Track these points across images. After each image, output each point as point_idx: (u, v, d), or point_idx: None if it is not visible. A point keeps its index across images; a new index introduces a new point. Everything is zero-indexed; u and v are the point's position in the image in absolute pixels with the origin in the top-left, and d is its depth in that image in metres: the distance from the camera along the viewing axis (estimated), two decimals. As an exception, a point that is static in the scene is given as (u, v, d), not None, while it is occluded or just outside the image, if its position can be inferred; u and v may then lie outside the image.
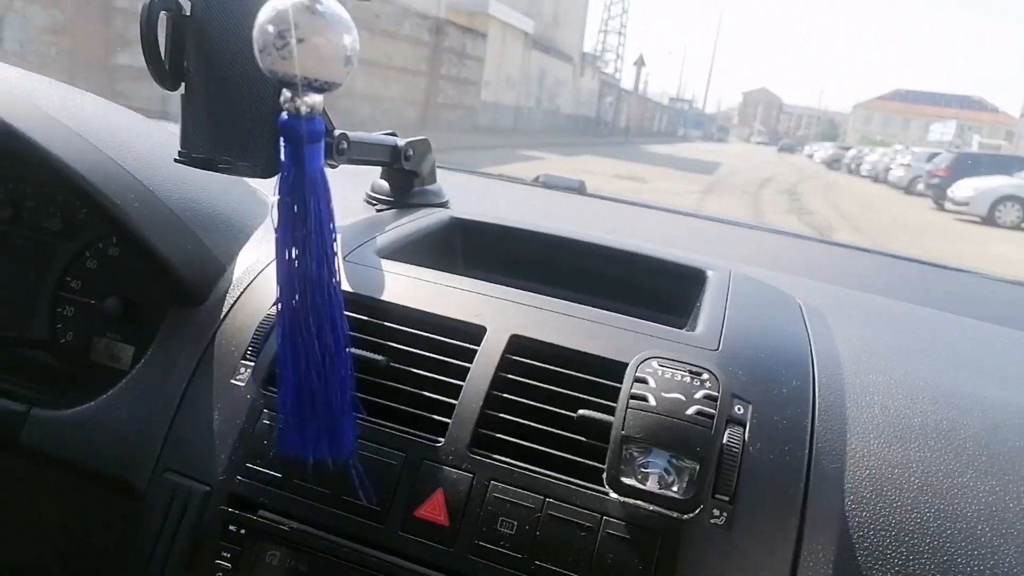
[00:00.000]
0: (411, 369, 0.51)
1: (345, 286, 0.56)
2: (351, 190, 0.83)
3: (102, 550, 0.54)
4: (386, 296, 0.55)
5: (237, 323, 0.55)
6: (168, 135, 0.68)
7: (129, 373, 0.57)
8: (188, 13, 0.53)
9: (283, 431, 0.44)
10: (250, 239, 0.64)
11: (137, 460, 0.52)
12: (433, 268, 0.59)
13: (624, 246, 0.68)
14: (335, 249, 0.42)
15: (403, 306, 0.53)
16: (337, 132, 0.64)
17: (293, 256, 0.41)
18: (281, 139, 0.40)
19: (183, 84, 0.55)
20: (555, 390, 0.49)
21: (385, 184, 0.80)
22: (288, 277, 0.42)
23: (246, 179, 0.71)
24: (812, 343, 0.54)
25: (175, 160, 0.54)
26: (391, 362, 0.51)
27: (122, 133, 0.60)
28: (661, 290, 0.67)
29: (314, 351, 0.42)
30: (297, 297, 0.42)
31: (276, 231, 0.41)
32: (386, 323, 0.53)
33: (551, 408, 0.48)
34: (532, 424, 0.48)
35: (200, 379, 0.53)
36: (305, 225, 0.40)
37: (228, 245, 0.62)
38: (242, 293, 0.57)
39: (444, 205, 0.80)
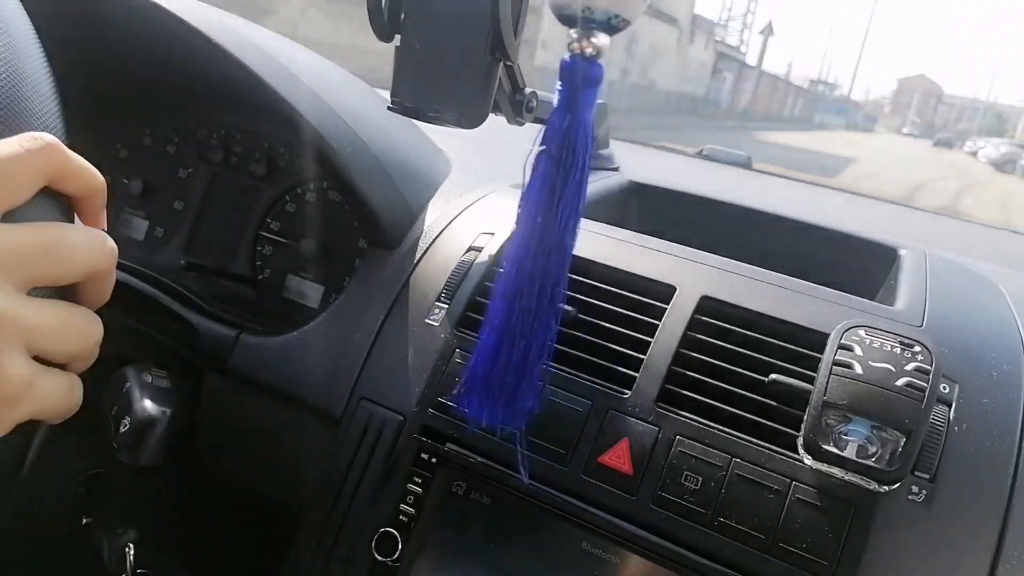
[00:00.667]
0: (600, 322, 0.52)
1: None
2: (509, 150, 0.85)
3: (300, 469, 0.58)
4: (576, 251, 0.56)
5: (430, 268, 0.58)
6: (363, 86, 0.72)
7: (328, 307, 0.62)
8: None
9: (466, 390, 0.46)
10: (437, 192, 0.67)
11: (334, 388, 0.56)
12: (613, 228, 0.60)
13: (807, 219, 0.67)
14: (582, 203, 0.43)
15: (594, 261, 0.55)
16: (527, 90, 0.65)
17: (544, 206, 0.42)
18: (558, 82, 0.41)
19: (397, 36, 0.58)
20: (745, 353, 0.49)
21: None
22: (530, 231, 0.43)
23: (431, 138, 0.74)
24: (1021, 329, 0.51)
25: (388, 108, 0.57)
26: (580, 313, 0.52)
27: (332, 82, 0.64)
28: (846, 266, 0.65)
29: (527, 318, 0.43)
30: (531, 258, 0.42)
31: (531, 178, 0.43)
32: (576, 276, 0.54)
33: (741, 370, 0.48)
34: (720, 384, 0.48)
35: (395, 317, 0.57)
36: (568, 175, 0.42)
37: (419, 196, 0.65)
38: (434, 240, 0.61)
39: (615, 170, 0.81)
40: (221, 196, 0.77)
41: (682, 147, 1.04)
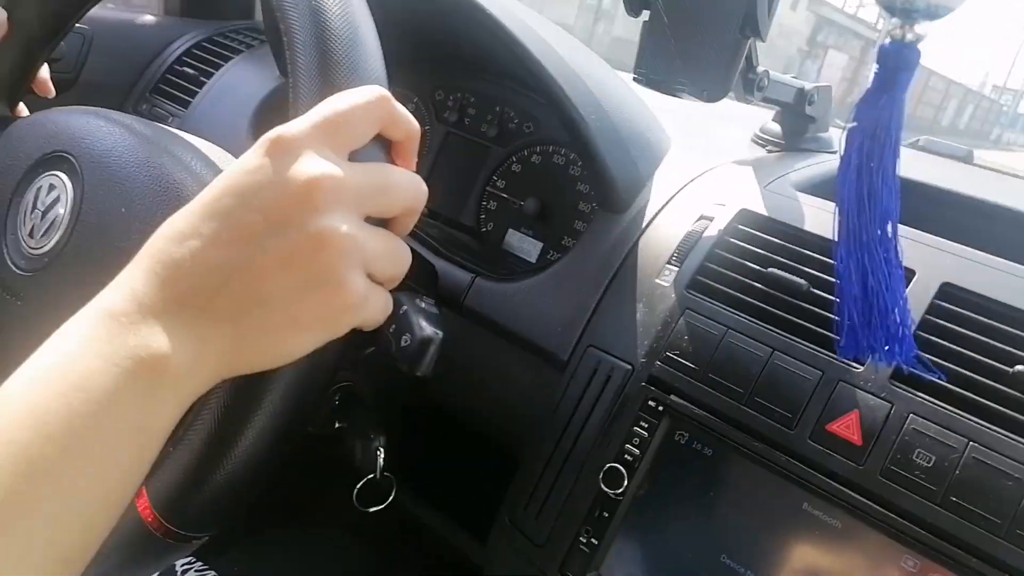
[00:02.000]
0: (831, 297, 0.53)
1: (766, 212, 0.60)
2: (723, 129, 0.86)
3: (522, 407, 0.64)
4: (807, 226, 0.58)
5: (660, 232, 0.62)
6: (599, 60, 0.76)
7: (548, 263, 0.67)
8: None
9: (848, 335, 0.48)
10: (662, 162, 0.70)
11: (563, 333, 0.61)
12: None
13: None
14: (897, 176, 0.45)
15: (825, 237, 0.56)
16: (760, 69, 0.67)
17: (863, 176, 0.45)
18: (876, 64, 0.44)
19: (646, 11, 0.62)
20: (987, 342, 0.49)
21: (777, 127, 0.82)
22: (857, 195, 0.45)
23: (655, 114, 0.77)
24: None
25: (634, 79, 0.61)
26: (812, 288, 0.54)
27: (578, 55, 0.68)
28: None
29: (879, 265, 0.46)
30: (860, 216, 0.45)
31: (846, 153, 0.45)
32: (806, 251, 0.56)
33: (982, 358, 0.48)
34: (959, 370, 0.48)
35: (624, 275, 0.61)
36: (883, 148, 0.44)
37: (649, 165, 0.68)
38: (662, 208, 0.64)
39: (834, 153, 0.81)
40: (453, 153, 0.84)
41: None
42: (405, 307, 0.55)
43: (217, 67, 0.95)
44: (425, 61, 0.84)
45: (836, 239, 0.47)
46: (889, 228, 0.45)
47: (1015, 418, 0.46)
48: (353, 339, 0.39)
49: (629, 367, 0.56)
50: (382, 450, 0.61)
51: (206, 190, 0.35)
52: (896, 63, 0.42)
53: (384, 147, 0.40)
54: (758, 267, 0.56)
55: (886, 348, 0.47)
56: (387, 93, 0.38)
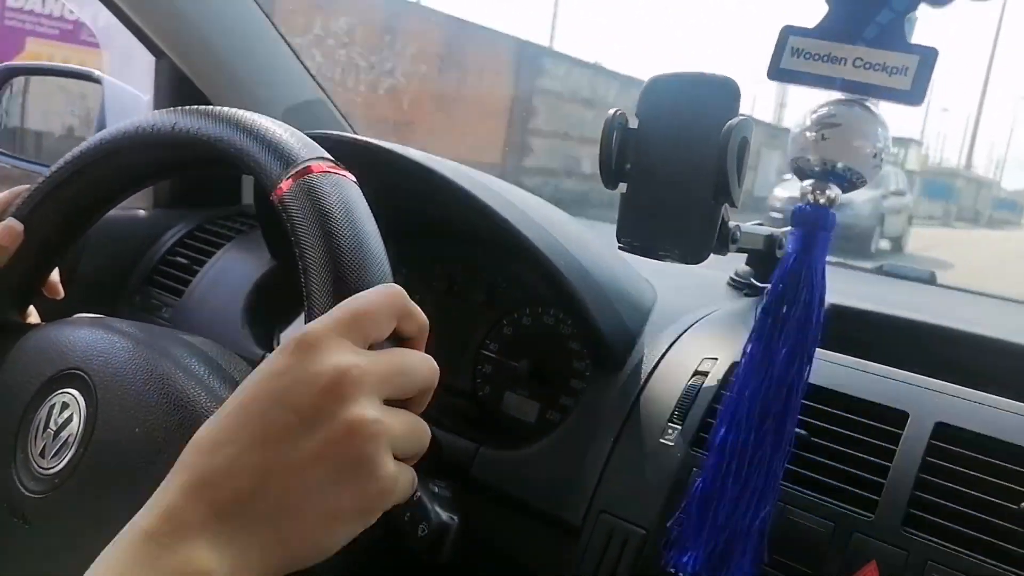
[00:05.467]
0: (833, 446, 0.55)
1: (757, 363, 0.62)
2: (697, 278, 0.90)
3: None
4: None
5: (658, 390, 0.64)
6: (574, 220, 0.80)
7: (551, 425, 0.68)
8: (634, 126, 0.64)
9: (678, 539, 0.49)
10: (649, 317, 0.73)
11: (572, 500, 0.62)
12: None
13: (1011, 338, 0.67)
14: (814, 348, 0.47)
15: (822, 386, 0.58)
16: (731, 224, 0.71)
17: (770, 341, 0.47)
18: (791, 225, 0.47)
19: (623, 184, 0.66)
20: (991, 481, 0.50)
21: (750, 270, 0.86)
22: (756, 365, 0.47)
23: (635, 268, 0.81)
24: None
25: (618, 247, 0.65)
26: (812, 437, 0.55)
27: (554, 218, 0.73)
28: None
29: (743, 467, 0.47)
30: (757, 398, 0.46)
31: (758, 313, 0.48)
32: (806, 401, 0.58)
33: (988, 498, 0.49)
34: (968, 511, 0.49)
35: (628, 435, 0.62)
36: (794, 310, 0.47)
37: (636, 321, 0.71)
38: (657, 364, 0.66)
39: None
40: (444, 320, 0.87)
41: (857, 264, 1.05)
42: (419, 493, 0.55)
43: (209, 255, 0.98)
44: (412, 237, 0.88)
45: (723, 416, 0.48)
46: (777, 408, 0.47)
47: None
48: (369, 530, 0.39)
49: (643, 531, 0.56)
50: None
51: (235, 395, 0.36)
52: (813, 224, 0.46)
53: (397, 340, 0.42)
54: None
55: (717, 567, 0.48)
56: (400, 290, 0.41)
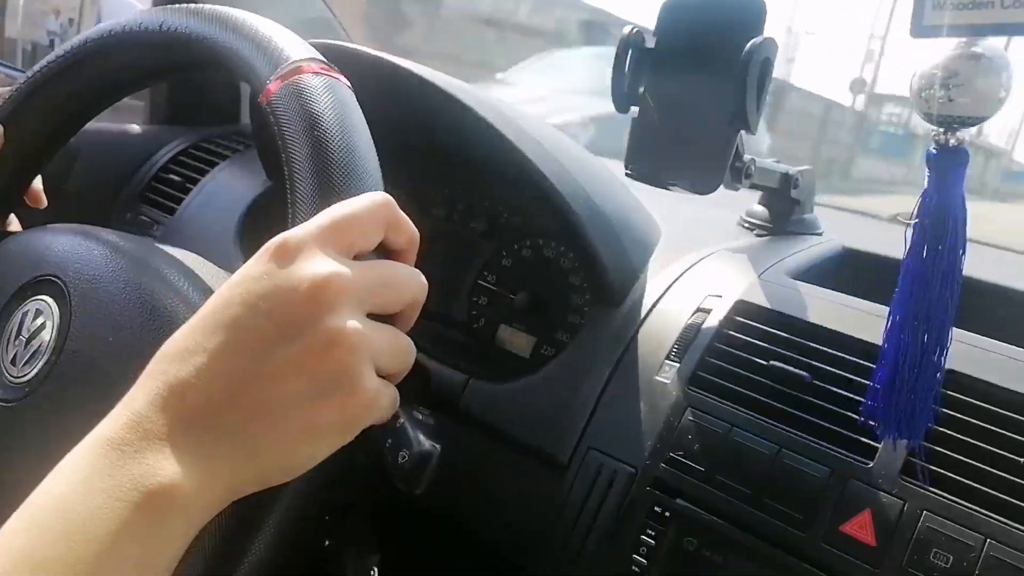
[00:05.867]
0: (835, 389, 0.52)
1: (765, 303, 0.59)
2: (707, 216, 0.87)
3: (519, 513, 0.62)
4: (806, 316, 0.57)
5: (657, 326, 0.61)
6: (585, 151, 0.77)
7: (546, 359, 0.65)
8: (651, 46, 0.60)
9: (870, 406, 0.48)
10: (654, 253, 0.70)
11: (562, 435, 0.60)
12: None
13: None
14: (962, 270, 0.45)
15: (827, 327, 0.55)
16: (747, 157, 0.68)
17: (924, 268, 0.45)
18: (926, 169, 0.45)
19: (635, 107, 0.63)
20: (998, 432, 0.48)
21: (764, 210, 0.82)
22: (913, 290, 0.46)
23: (643, 202, 0.78)
24: None
25: (626, 174, 0.62)
26: (814, 380, 0.53)
27: (563, 147, 0.69)
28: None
29: (915, 356, 0.46)
30: (918, 308, 0.46)
31: (909, 248, 0.46)
32: (809, 342, 0.55)
33: (993, 449, 0.47)
34: (971, 462, 0.47)
35: (623, 372, 0.60)
36: (941, 244, 0.44)
37: (641, 256, 0.69)
38: (658, 301, 0.63)
39: (819, 234, 0.81)
40: (441, 248, 0.84)
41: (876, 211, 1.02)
42: (402, 420, 0.54)
43: (203, 173, 0.95)
44: (411, 157, 0.84)
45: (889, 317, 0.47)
46: (939, 325, 0.46)
47: None
48: (347, 451, 0.38)
49: (633, 470, 0.55)
50: (376, 569, 0.58)
51: (209, 302, 0.34)
52: (944, 165, 0.44)
53: (385, 253, 0.39)
54: (759, 360, 0.55)
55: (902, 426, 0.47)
56: (390, 199, 0.38)
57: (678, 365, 0.57)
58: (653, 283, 0.66)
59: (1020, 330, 0.65)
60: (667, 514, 0.52)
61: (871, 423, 0.49)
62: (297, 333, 0.33)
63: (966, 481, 0.47)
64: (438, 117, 0.69)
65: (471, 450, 0.66)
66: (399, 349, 0.37)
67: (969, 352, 0.53)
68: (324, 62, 0.43)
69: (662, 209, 0.79)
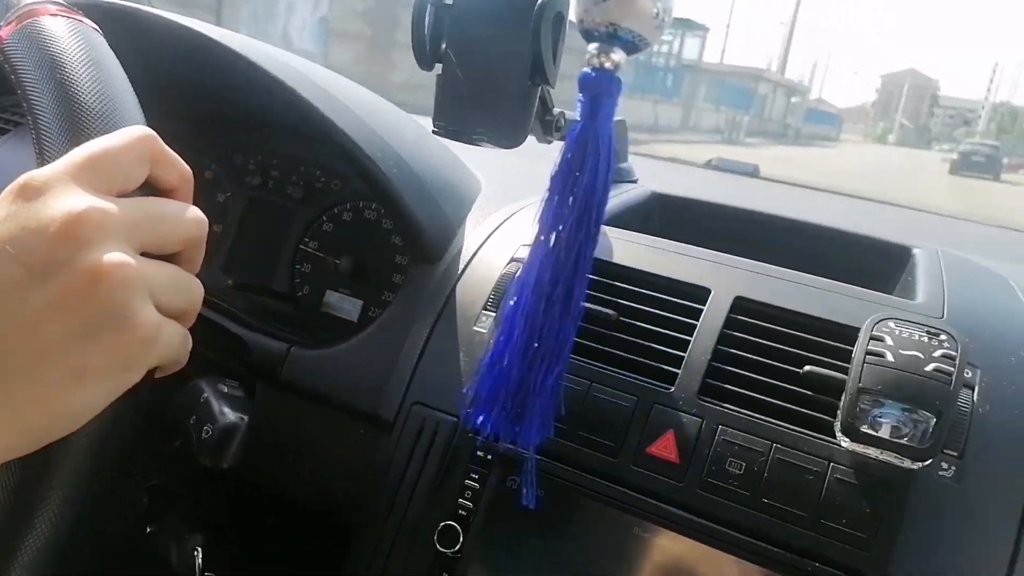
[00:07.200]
0: (640, 324, 0.55)
1: (572, 248, 0.61)
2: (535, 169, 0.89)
3: (350, 477, 0.61)
4: (614, 258, 0.60)
5: (474, 279, 0.62)
6: (395, 109, 0.76)
7: (370, 320, 0.65)
8: (449, 2, 0.60)
9: (473, 404, 0.49)
10: (472, 209, 0.71)
11: (386, 394, 0.59)
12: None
13: (823, 222, 0.71)
14: (602, 216, 0.46)
15: (632, 267, 0.58)
16: (556, 110, 0.69)
17: (560, 208, 0.46)
18: (578, 92, 0.45)
19: (439, 65, 0.62)
20: (781, 348, 0.52)
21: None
22: (547, 233, 0.46)
23: (461, 159, 0.78)
24: None
25: (432, 131, 0.61)
26: (621, 317, 0.56)
27: (370, 106, 0.68)
28: (862, 266, 0.69)
29: (535, 330, 0.46)
30: (548, 269, 0.46)
31: (549, 187, 0.46)
32: (616, 282, 0.58)
33: (777, 364, 0.52)
34: (759, 378, 0.51)
35: (443, 326, 0.60)
36: (582, 178, 0.45)
37: (457, 212, 0.69)
38: (475, 253, 0.64)
39: (634, 182, 0.85)
40: (259, 218, 0.81)
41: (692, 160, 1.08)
42: (206, 394, 0.52)
43: (-17, 148, 0.86)
44: (216, 124, 0.80)
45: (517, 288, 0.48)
46: (568, 276, 0.46)
47: (809, 416, 0.49)
48: (156, 433, 0.35)
49: (454, 419, 0.55)
50: (200, 550, 0.56)
51: None
52: (599, 90, 0.44)
53: (154, 192, 0.37)
54: None
55: (510, 428, 0.49)
56: (152, 132, 0.35)
57: (494, 314, 0.58)
58: (471, 237, 0.66)
59: (810, 258, 0.71)
60: (489, 457, 0.53)
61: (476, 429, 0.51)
62: (52, 274, 0.30)
63: (755, 395, 0.51)
64: (235, 81, 0.66)
65: (296, 421, 0.64)
66: (180, 283, 0.35)
67: (755, 279, 0.57)
68: (63, 4, 0.40)
69: (485, 164, 0.80)
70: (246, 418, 0.44)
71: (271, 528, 0.69)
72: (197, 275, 0.37)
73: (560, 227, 0.46)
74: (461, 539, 0.51)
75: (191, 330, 0.37)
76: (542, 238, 0.47)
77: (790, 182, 0.99)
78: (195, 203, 0.37)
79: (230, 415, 0.44)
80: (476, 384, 0.49)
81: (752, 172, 1.01)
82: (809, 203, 0.97)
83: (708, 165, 1.03)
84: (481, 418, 0.50)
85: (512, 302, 0.47)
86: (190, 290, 0.36)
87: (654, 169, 1.02)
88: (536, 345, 0.47)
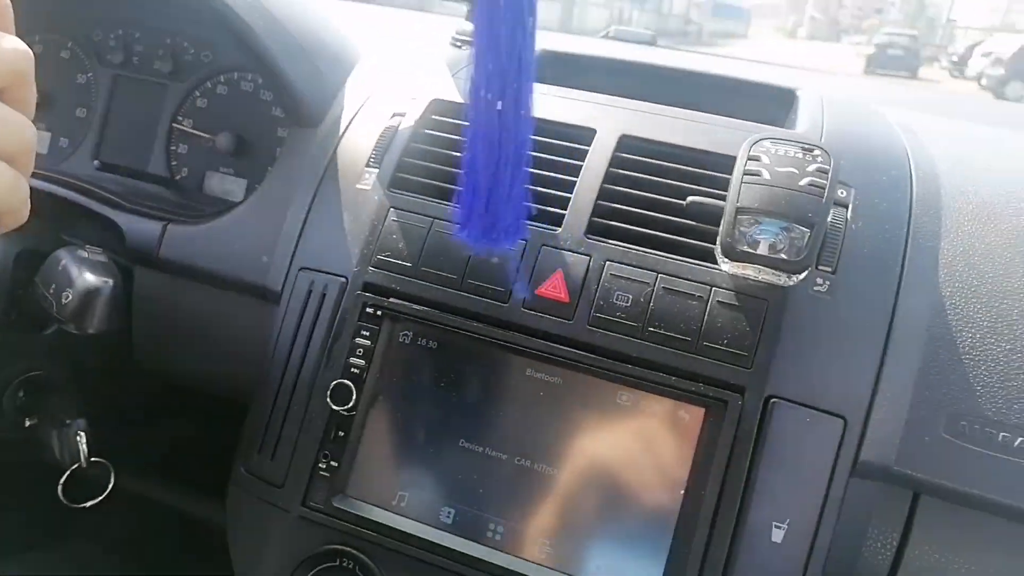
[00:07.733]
0: (531, 170, 0.54)
1: (458, 98, 0.59)
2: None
3: (249, 352, 0.59)
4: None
5: (356, 138, 0.59)
6: None
7: (256, 189, 0.61)
8: None
9: (460, 223, 0.49)
10: (352, 71, 0.67)
11: (271, 263, 0.57)
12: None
13: (712, 70, 0.70)
14: (535, 21, 0.44)
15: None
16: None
17: (492, 19, 0.43)
18: None
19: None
20: (664, 182, 0.52)
21: (470, 25, 0.81)
22: (485, 44, 0.44)
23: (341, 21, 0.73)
24: (907, 144, 0.56)
25: None
26: (506, 164, 0.54)
27: None
28: (749, 109, 0.68)
29: (495, 143, 0.45)
30: (489, 95, 0.44)
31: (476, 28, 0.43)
32: None
33: (662, 198, 0.51)
34: (644, 212, 0.51)
35: (326, 187, 0.57)
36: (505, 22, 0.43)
37: (336, 74, 0.65)
38: (356, 113, 0.61)
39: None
40: (126, 97, 0.75)
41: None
42: (64, 261, 0.48)
43: None
44: (70, 2, 0.73)
45: (469, 122, 0.47)
46: (516, 112, 0.45)
47: (691, 244, 0.49)
48: (26, 322, 0.32)
49: (343, 279, 0.54)
50: (83, 434, 0.53)
51: None
52: None
53: None
54: (455, 153, 0.55)
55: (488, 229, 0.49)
56: None
57: (377, 171, 0.56)
58: (351, 99, 0.63)
59: (702, 107, 0.71)
60: (379, 313, 0.52)
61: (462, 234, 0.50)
62: None
63: (641, 230, 0.51)
64: None
65: (180, 299, 0.61)
66: (9, 123, 0.32)
67: (641, 117, 0.56)
68: None
69: (375, 32, 0.75)
70: (110, 281, 0.41)
71: (171, 412, 0.67)
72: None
73: (497, 35, 0.44)
74: (354, 397, 0.50)
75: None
76: (482, 50, 0.44)
77: (686, 49, 0.97)
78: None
79: (90, 278, 0.41)
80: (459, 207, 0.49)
81: (649, 41, 0.99)
82: (705, 65, 0.97)
83: (606, 36, 1.01)
84: (464, 233, 0.49)
85: (468, 125, 0.46)
86: (21, 128, 0.33)
87: (554, 39, 0.99)
88: (498, 154, 0.46)
